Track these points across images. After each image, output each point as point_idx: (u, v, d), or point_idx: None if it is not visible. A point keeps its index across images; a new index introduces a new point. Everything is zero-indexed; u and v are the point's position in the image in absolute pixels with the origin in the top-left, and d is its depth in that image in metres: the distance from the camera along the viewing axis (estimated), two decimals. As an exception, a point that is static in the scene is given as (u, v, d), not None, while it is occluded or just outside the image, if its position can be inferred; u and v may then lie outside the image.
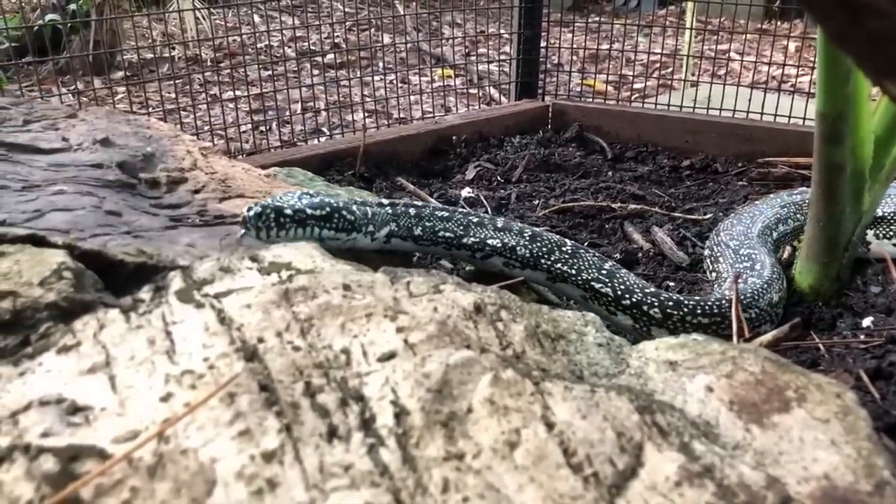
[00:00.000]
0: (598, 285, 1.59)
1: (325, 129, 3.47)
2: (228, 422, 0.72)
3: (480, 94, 4.17)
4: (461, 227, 1.61)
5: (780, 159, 2.70)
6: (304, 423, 0.72)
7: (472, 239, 1.61)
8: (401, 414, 0.74)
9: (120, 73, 4.42)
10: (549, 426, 0.74)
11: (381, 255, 1.60)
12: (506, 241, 1.62)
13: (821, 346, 1.49)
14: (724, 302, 1.55)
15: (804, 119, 2.75)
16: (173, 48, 4.60)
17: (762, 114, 2.88)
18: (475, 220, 1.64)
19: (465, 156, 2.90)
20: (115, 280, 1.04)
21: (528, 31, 3.28)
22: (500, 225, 1.64)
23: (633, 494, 0.68)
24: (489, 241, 1.61)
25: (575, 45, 3.39)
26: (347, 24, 4.71)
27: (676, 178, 2.73)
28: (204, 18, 4.41)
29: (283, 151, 2.74)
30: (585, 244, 2.08)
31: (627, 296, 1.57)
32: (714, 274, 1.87)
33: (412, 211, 1.58)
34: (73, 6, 4.26)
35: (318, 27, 3.80)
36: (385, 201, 1.57)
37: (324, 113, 3.48)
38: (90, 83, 3.60)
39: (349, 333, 0.85)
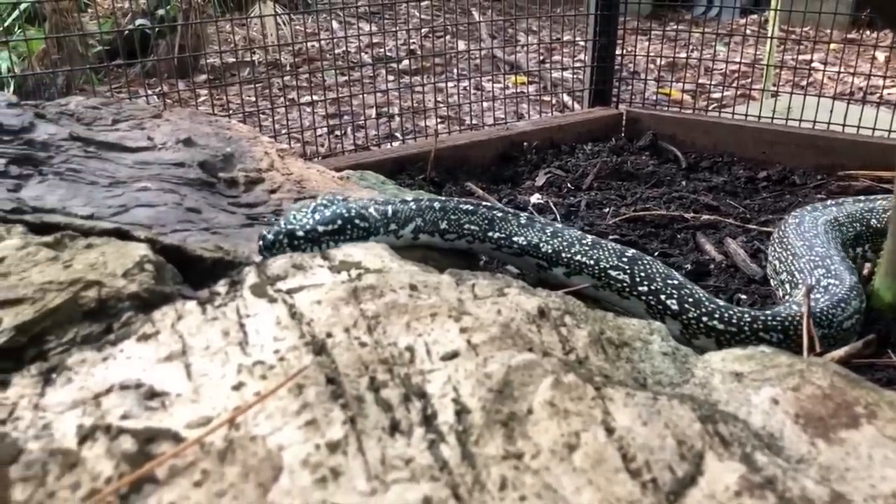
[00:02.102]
0: (614, 272, 1.60)
1: (398, 134, 3.52)
2: (296, 412, 0.74)
3: (554, 101, 4.16)
4: (486, 222, 1.63)
5: (861, 172, 2.61)
6: (367, 417, 0.74)
7: (497, 234, 1.63)
8: (462, 412, 0.76)
9: (203, 77, 4.57)
10: (609, 431, 0.74)
11: (448, 256, 1.62)
12: (529, 237, 1.63)
13: (898, 364, 1.45)
14: (746, 316, 1.51)
15: (889, 131, 2.66)
16: (254, 53, 4.74)
17: (844, 125, 2.79)
18: (500, 214, 1.66)
19: (536, 162, 2.90)
20: (193, 273, 1.09)
21: (604, 39, 3.26)
22: (523, 221, 1.66)
23: (691, 502, 0.68)
24: (514, 238, 1.63)
25: (652, 53, 3.34)
26: (423, 30, 4.76)
27: (752, 189, 2.67)
28: (284, 24, 4.52)
29: (356, 155, 2.80)
30: (656, 254, 2.05)
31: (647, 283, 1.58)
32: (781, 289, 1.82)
33: (437, 205, 1.60)
34: (161, 11, 4.43)
35: (395, 33, 3.85)
36: (409, 198, 1.59)
37: (397, 118, 3.53)
38: (175, 85, 3.73)
39: (414, 332, 0.87)
